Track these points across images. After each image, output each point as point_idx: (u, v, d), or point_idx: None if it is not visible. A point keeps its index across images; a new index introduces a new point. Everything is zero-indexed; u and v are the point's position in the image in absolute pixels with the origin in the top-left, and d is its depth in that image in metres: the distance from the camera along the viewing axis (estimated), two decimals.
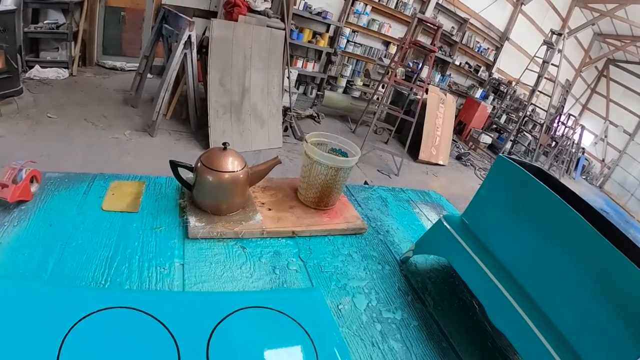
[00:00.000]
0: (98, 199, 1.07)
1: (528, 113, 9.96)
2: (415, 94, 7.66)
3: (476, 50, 10.74)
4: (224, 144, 1.13)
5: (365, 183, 1.88)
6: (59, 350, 0.65)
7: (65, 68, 5.43)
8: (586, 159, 13.51)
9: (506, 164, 0.96)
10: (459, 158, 8.24)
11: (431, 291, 1.13)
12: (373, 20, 8.73)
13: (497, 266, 0.95)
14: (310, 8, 7.70)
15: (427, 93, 7.17)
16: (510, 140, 9.87)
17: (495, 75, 11.28)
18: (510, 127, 10.08)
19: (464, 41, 10.28)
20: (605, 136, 14.10)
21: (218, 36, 4.48)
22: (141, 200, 1.12)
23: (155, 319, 0.76)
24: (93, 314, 0.73)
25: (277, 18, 5.32)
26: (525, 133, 10.58)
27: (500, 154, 1.02)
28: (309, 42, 8.06)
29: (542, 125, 9.80)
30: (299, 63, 8.14)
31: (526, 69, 9.35)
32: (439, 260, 1.29)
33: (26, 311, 0.70)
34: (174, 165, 1.11)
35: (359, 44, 8.88)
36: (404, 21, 8.94)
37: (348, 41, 8.67)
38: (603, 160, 14.04)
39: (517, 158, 0.98)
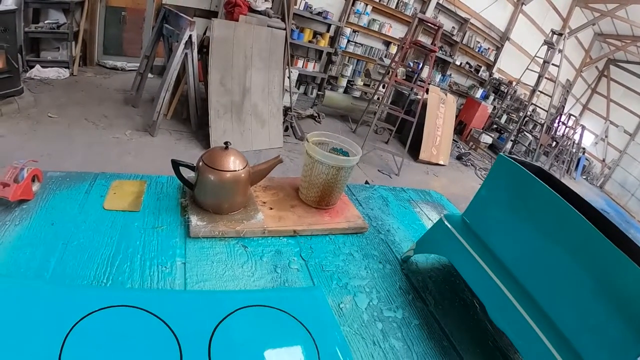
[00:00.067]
0: (100, 198, 1.08)
1: (528, 113, 9.95)
2: (416, 94, 7.66)
3: (477, 50, 10.75)
4: (226, 143, 1.13)
5: (366, 183, 1.88)
6: (60, 349, 0.65)
7: (65, 68, 5.44)
8: (587, 159, 13.51)
9: (507, 163, 0.96)
10: (459, 158, 8.24)
11: (432, 290, 1.14)
12: (373, 20, 8.73)
13: (498, 265, 0.95)
14: (310, 8, 7.70)
15: (427, 93, 7.17)
16: (511, 140, 9.86)
17: (496, 75, 11.29)
18: (511, 127, 10.08)
19: (464, 41, 10.29)
20: (606, 136, 14.10)
21: (219, 36, 4.48)
22: (143, 200, 1.12)
23: (157, 317, 0.76)
24: (95, 312, 0.74)
25: (278, 18, 5.32)
26: (526, 133, 10.57)
27: (501, 154, 1.02)
28: (310, 42, 8.06)
29: (542, 125, 9.80)
30: (300, 63, 8.15)
31: (527, 69, 9.35)
32: (440, 260, 1.29)
33: (28, 310, 0.71)
34: (176, 165, 1.11)
35: (359, 43, 8.88)
36: (405, 21, 8.94)
37: (349, 41, 8.67)
38: (603, 161, 14.04)
39: (518, 158, 0.98)
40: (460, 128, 10.04)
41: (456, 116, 8.57)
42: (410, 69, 8.24)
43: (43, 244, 0.88)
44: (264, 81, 5.03)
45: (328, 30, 8.31)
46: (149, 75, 5.47)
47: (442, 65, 10.38)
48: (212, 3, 6.71)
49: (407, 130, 6.82)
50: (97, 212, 1.02)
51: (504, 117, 10.68)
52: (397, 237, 1.36)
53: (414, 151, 7.02)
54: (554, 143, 11.15)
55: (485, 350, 0.98)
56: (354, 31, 8.66)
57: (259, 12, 5.10)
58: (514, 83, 10.53)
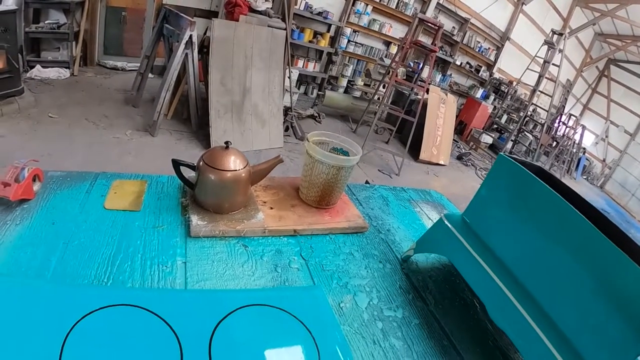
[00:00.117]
0: (100, 198, 1.08)
1: (529, 113, 9.95)
2: (416, 93, 7.66)
3: (477, 50, 10.75)
4: (226, 142, 1.13)
5: (367, 182, 1.88)
6: (61, 348, 0.65)
7: (66, 68, 5.44)
8: (587, 159, 13.51)
9: (507, 163, 0.96)
10: (459, 158, 8.24)
11: (432, 290, 1.14)
12: (374, 20, 8.73)
13: (498, 265, 0.95)
14: (311, 8, 7.70)
15: (428, 93, 7.17)
16: (511, 140, 9.86)
17: (496, 75, 11.28)
18: (511, 127, 10.08)
19: (464, 41, 10.29)
20: (606, 136, 14.10)
21: (219, 36, 4.48)
22: (143, 199, 1.12)
23: (158, 316, 0.76)
24: (95, 311, 0.74)
25: (278, 18, 5.32)
26: (526, 133, 10.57)
27: (501, 153, 1.02)
28: (310, 42, 8.06)
29: (543, 125, 9.79)
30: (300, 63, 8.15)
31: (527, 69, 9.35)
32: (440, 259, 1.29)
33: (29, 309, 0.71)
34: (176, 164, 1.11)
35: (359, 43, 8.88)
36: (405, 21, 8.94)
37: (349, 41, 8.67)
38: (604, 160, 14.03)
39: (518, 157, 0.98)
40: (461, 128, 10.04)
41: (456, 116, 8.57)
42: (410, 69, 8.25)
43: (44, 244, 0.88)
44: (264, 81, 5.03)
45: (328, 30, 8.31)
46: (150, 75, 5.47)
47: (442, 65, 10.38)
48: (212, 3, 6.71)
49: (407, 130, 6.82)
50: (97, 212, 1.03)
51: (505, 117, 10.68)
52: (397, 237, 1.36)
53: (414, 151, 7.02)
54: (555, 143, 11.15)
55: (486, 350, 0.98)
56: (354, 31, 8.66)
57: (260, 12, 5.10)
58: (515, 83, 10.53)
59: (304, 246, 1.15)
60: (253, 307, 0.86)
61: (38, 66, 5.16)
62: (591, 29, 12.82)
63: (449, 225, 1.10)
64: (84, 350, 0.67)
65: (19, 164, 0.96)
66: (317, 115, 7.07)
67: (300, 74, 7.83)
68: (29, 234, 0.90)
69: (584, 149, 12.97)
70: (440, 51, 9.57)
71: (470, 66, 11.01)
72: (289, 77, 5.78)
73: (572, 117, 11.35)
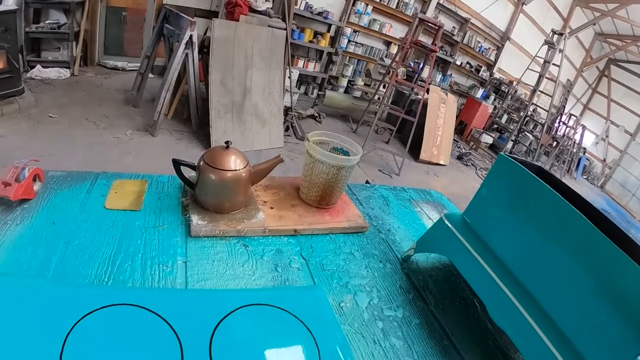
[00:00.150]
0: (101, 198, 1.08)
1: (529, 113, 9.95)
2: (417, 93, 7.66)
3: (477, 50, 10.75)
4: (227, 142, 1.14)
5: (367, 182, 1.88)
6: (62, 348, 0.66)
7: (66, 68, 5.44)
8: (587, 159, 13.50)
9: (507, 162, 0.96)
10: (460, 158, 8.24)
11: (432, 289, 1.14)
12: (374, 20, 8.73)
13: (499, 264, 0.95)
14: (311, 8, 7.70)
15: (428, 93, 7.17)
16: (512, 140, 9.85)
17: (497, 75, 11.28)
18: (512, 127, 10.07)
19: (465, 41, 10.28)
20: (607, 136, 14.09)
21: (219, 36, 4.48)
22: (144, 199, 1.12)
23: (159, 316, 0.76)
24: (96, 311, 0.74)
25: (279, 18, 5.32)
26: (527, 133, 10.57)
27: (502, 153, 1.02)
28: (310, 42, 8.06)
29: (543, 125, 9.78)
30: (300, 63, 8.14)
31: (527, 68, 9.34)
32: (440, 259, 1.29)
33: (29, 309, 0.71)
34: (177, 164, 1.12)
35: (360, 43, 8.88)
36: (405, 21, 8.94)
37: (349, 41, 8.67)
38: (604, 160, 14.03)
39: (519, 157, 0.98)
40: (461, 128, 10.03)
41: (457, 116, 8.57)
42: (410, 69, 8.24)
43: (44, 243, 0.89)
44: (264, 81, 5.03)
45: (328, 30, 8.31)
46: (150, 75, 5.47)
47: (442, 65, 10.37)
48: (212, 3, 6.71)
49: (407, 130, 6.82)
50: (98, 212, 1.03)
51: (505, 117, 10.67)
52: (398, 237, 1.36)
53: (415, 151, 7.02)
54: (555, 143, 11.15)
55: (486, 349, 0.98)
56: (355, 31, 8.66)
57: (260, 12, 5.11)
58: (515, 83, 10.53)
59: (305, 246, 1.15)
60: (253, 306, 0.86)
61: (38, 66, 5.16)
62: (591, 29, 12.82)
63: (449, 225, 1.10)
64: (85, 349, 0.67)
65: (20, 164, 0.96)
66: (317, 115, 7.07)
67: (300, 74, 7.82)
68: (30, 233, 0.90)
69: (584, 149, 12.97)
70: (441, 51, 9.57)
71: (471, 66, 11.01)
72: (289, 77, 5.78)
73: (572, 117, 11.35)
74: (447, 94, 7.78)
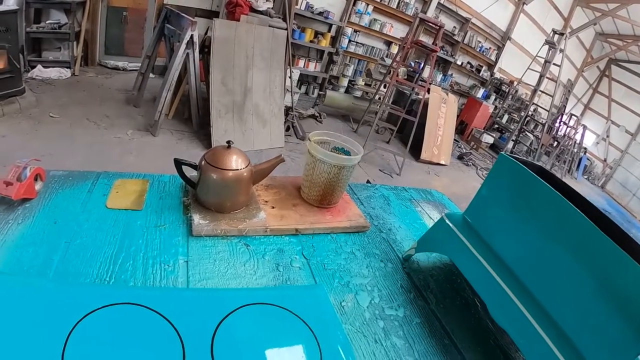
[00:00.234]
0: (102, 197, 1.08)
1: (530, 113, 9.94)
2: (417, 93, 7.65)
3: (478, 50, 10.74)
4: (228, 142, 1.14)
5: (368, 182, 1.88)
6: (64, 347, 0.66)
7: (67, 68, 5.44)
8: (588, 159, 13.49)
9: (508, 162, 0.96)
10: (460, 158, 8.23)
11: (433, 289, 1.14)
12: (375, 20, 8.73)
13: (500, 264, 0.95)
14: (312, 8, 7.70)
15: (428, 93, 7.17)
16: (512, 140, 9.85)
17: (497, 75, 11.28)
18: (512, 127, 10.07)
19: (465, 41, 10.28)
20: (607, 136, 14.08)
21: (220, 36, 4.48)
22: (145, 198, 1.12)
23: (160, 315, 0.76)
24: (97, 310, 0.74)
25: (279, 18, 5.32)
26: (527, 133, 10.56)
27: (502, 153, 1.02)
28: (311, 41, 8.05)
29: (544, 125, 9.77)
30: (301, 63, 8.14)
31: (528, 68, 9.34)
32: (441, 258, 1.29)
33: (31, 308, 0.71)
34: (178, 164, 1.12)
35: (360, 43, 8.87)
36: (406, 21, 8.93)
37: (350, 41, 8.66)
38: (605, 160, 14.02)
39: (519, 157, 0.98)
40: (462, 128, 10.03)
41: (457, 116, 8.57)
42: (411, 69, 8.24)
43: (46, 243, 0.89)
44: (265, 81, 5.04)
45: (329, 30, 8.31)
46: (151, 75, 5.47)
47: (443, 65, 10.36)
48: (213, 3, 6.72)
49: (408, 130, 6.82)
50: (99, 211, 1.03)
51: (505, 116, 10.67)
52: (399, 236, 1.36)
53: (415, 151, 7.02)
54: (556, 143, 11.14)
55: (487, 349, 0.98)
56: (355, 31, 8.65)
57: (260, 12, 5.11)
58: (515, 83, 10.52)
59: (306, 245, 1.15)
60: (255, 305, 0.86)
61: (39, 66, 5.16)
62: (592, 29, 12.81)
63: (450, 224, 1.10)
64: (87, 348, 0.67)
65: (21, 163, 0.97)
66: (318, 115, 7.07)
67: (301, 74, 7.82)
68: (31, 233, 0.90)
69: (585, 148, 12.96)
70: (441, 51, 9.56)
71: (471, 66, 11.01)
72: (290, 77, 5.79)
73: (573, 117, 11.34)
74: (447, 94, 7.78)
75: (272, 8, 5.36)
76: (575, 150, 11.71)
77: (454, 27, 10.00)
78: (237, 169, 1.10)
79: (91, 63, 6.10)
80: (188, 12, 5.16)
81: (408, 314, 1.01)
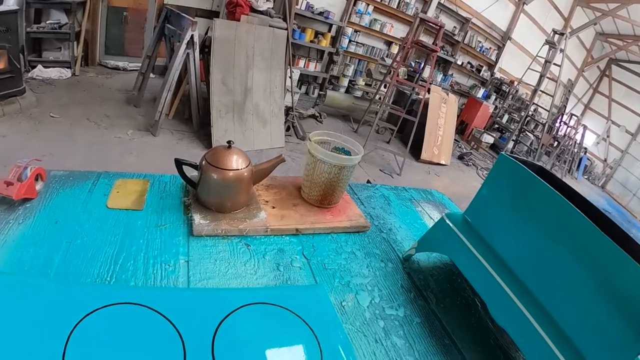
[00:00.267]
0: (103, 197, 1.08)
1: (530, 113, 9.94)
2: (418, 93, 7.66)
3: (478, 50, 10.73)
4: (229, 142, 1.14)
5: (368, 182, 1.88)
6: (65, 346, 0.66)
7: (67, 68, 5.44)
8: (588, 159, 13.49)
9: (508, 162, 0.97)
10: (461, 158, 8.23)
11: (434, 288, 1.14)
12: (375, 20, 8.72)
13: (500, 264, 0.95)
14: (312, 8, 7.69)
15: (429, 93, 7.17)
16: (513, 140, 9.85)
17: (497, 75, 11.27)
18: (513, 127, 10.07)
19: (466, 41, 10.27)
20: (608, 136, 14.08)
21: (220, 36, 4.49)
22: (146, 198, 1.13)
23: (161, 314, 0.76)
24: (98, 310, 0.74)
25: (280, 18, 5.32)
26: (528, 133, 10.56)
27: (503, 153, 1.02)
28: (311, 41, 8.05)
29: (544, 125, 9.78)
30: (301, 63, 8.13)
31: (528, 68, 9.34)
32: (442, 258, 1.29)
33: (32, 308, 0.71)
34: (179, 163, 1.12)
35: (361, 43, 8.87)
36: (406, 21, 8.93)
37: (350, 41, 8.65)
38: (605, 160, 14.02)
39: (519, 157, 0.98)
40: (462, 128, 10.03)
41: (458, 116, 8.57)
42: (411, 69, 8.24)
43: (47, 243, 0.89)
44: (265, 81, 5.04)
45: (329, 30, 8.30)
46: (151, 75, 5.47)
47: (443, 65, 10.36)
48: (213, 3, 6.72)
49: (408, 130, 6.82)
50: (100, 211, 1.03)
51: (506, 116, 10.67)
52: (399, 236, 1.36)
53: (416, 151, 7.02)
54: (556, 143, 11.14)
55: (487, 349, 0.98)
56: (356, 31, 8.64)
57: (261, 12, 5.11)
58: (516, 83, 10.52)
59: (306, 245, 1.15)
60: (255, 305, 0.86)
61: (39, 66, 5.16)
62: (592, 29, 12.81)
63: (451, 224, 1.10)
64: (87, 348, 0.67)
65: (22, 163, 0.97)
66: (318, 115, 7.08)
67: (301, 74, 7.82)
68: (32, 233, 0.90)
69: (585, 148, 12.96)
70: (442, 51, 9.56)
71: (472, 66, 11.00)
72: (290, 77, 5.79)
73: (573, 116, 11.34)
74: (448, 94, 7.78)
75: (273, 8, 5.36)
76: (576, 150, 11.71)
77: (454, 27, 9.99)
78: (238, 169, 1.10)
79: (91, 63, 6.10)
80: (188, 12, 5.16)
81: (408, 313, 1.01)
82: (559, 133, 11.29)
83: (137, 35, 6.48)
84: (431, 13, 9.07)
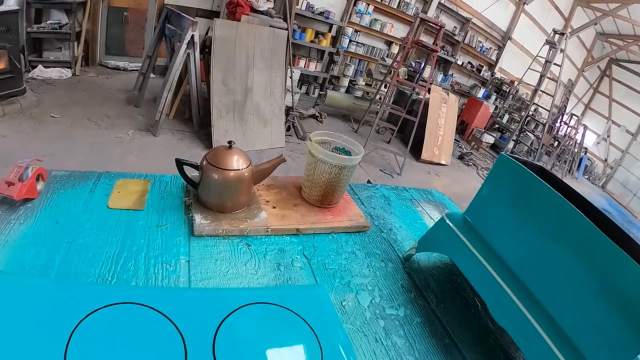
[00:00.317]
0: (104, 197, 1.08)
1: (530, 113, 9.94)
2: (418, 93, 7.66)
3: (478, 50, 10.73)
4: (229, 142, 1.14)
5: (368, 182, 1.89)
6: (66, 346, 0.66)
7: (68, 68, 5.45)
8: (589, 159, 13.49)
9: (508, 162, 0.97)
10: (461, 158, 8.23)
11: (434, 288, 1.14)
12: (375, 20, 8.72)
13: (500, 264, 0.95)
14: (312, 8, 7.70)
15: (429, 93, 7.16)
16: (513, 140, 9.85)
17: (498, 74, 11.27)
18: (513, 127, 10.07)
19: (466, 41, 10.27)
20: (608, 136, 14.07)
21: (221, 36, 4.49)
22: (147, 198, 1.13)
23: (162, 314, 0.76)
24: (100, 310, 0.74)
25: (280, 18, 5.33)
26: (528, 133, 10.55)
27: (503, 153, 1.02)
28: (312, 41, 8.05)
29: (544, 125, 9.78)
30: (302, 63, 8.14)
31: (528, 68, 9.33)
32: (442, 258, 1.29)
33: (33, 308, 0.71)
34: (180, 164, 1.12)
35: (361, 43, 8.87)
36: (407, 21, 8.93)
37: (350, 41, 8.66)
38: (605, 160, 14.01)
39: (520, 157, 0.99)
40: (462, 128, 10.03)
41: (458, 116, 8.57)
42: (412, 69, 8.24)
43: (48, 243, 0.89)
44: (266, 81, 5.04)
45: (330, 30, 8.31)
46: (151, 75, 5.48)
47: (443, 65, 10.36)
48: (214, 3, 6.72)
49: (409, 130, 6.82)
50: (101, 211, 1.03)
51: (506, 116, 10.67)
52: (399, 236, 1.36)
53: (416, 151, 7.02)
54: (556, 143, 11.14)
55: (487, 348, 0.99)
56: (356, 31, 8.65)
57: (261, 12, 5.11)
58: (516, 83, 10.52)
59: (307, 245, 1.15)
60: (256, 305, 0.86)
61: (40, 66, 5.17)
62: (592, 29, 12.80)
63: (451, 224, 1.10)
64: (89, 348, 0.67)
65: (23, 164, 0.97)
66: (318, 115, 7.08)
67: (301, 74, 7.82)
68: (33, 233, 0.91)
69: (586, 148, 12.95)
70: (442, 51, 9.56)
71: (472, 66, 11.00)
72: (291, 77, 5.79)
73: (573, 116, 11.33)
74: (448, 94, 7.78)
75: (273, 8, 5.36)
76: (576, 150, 11.71)
77: (455, 27, 9.99)
78: (239, 169, 1.10)
79: (92, 63, 6.11)
80: (189, 12, 5.17)
81: (408, 313, 1.01)
82: (560, 133, 11.29)
83: (137, 35, 6.49)
84: (431, 13, 9.08)
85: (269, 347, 0.79)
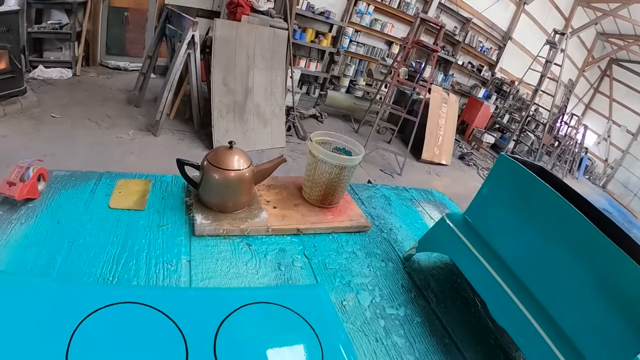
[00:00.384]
0: (105, 197, 1.09)
1: (531, 113, 9.93)
2: (418, 93, 7.65)
3: (479, 50, 10.73)
4: (230, 142, 1.14)
5: (369, 182, 1.89)
6: (68, 346, 0.66)
7: (68, 68, 5.45)
8: (589, 159, 13.48)
9: (508, 162, 0.97)
10: (461, 158, 8.23)
11: (434, 288, 1.14)
12: (376, 20, 8.73)
13: (500, 264, 0.95)
14: (313, 8, 7.70)
15: (429, 93, 7.16)
16: (513, 140, 9.85)
17: (498, 74, 11.27)
18: (513, 127, 10.06)
19: (466, 41, 10.27)
20: (609, 136, 14.06)
21: (221, 36, 4.49)
22: (148, 198, 1.13)
23: (163, 314, 0.77)
24: (101, 309, 0.74)
25: (280, 18, 5.33)
26: (528, 133, 10.55)
27: (502, 153, 1.02)
28: (312, 42, 8.06)
29: (545, 125, 9.77)
30: (302, 63, 8.14)
31: (529, 68, 9.33)
32: (442, 258, 1.30)
33: (35, 308, 0.71)
34: (181, 164, 1.12)
35: (361, 43, 8.88)
36: (407, 21, 8.93)
37: (351, 41, 8.66)
38: (606, 160, 14.00)
39: (520, 157, 0.99)
40: (463, 128, 10.03)
41: (458, 116, 8.57)
42: (412, 69, 8.23)
43: (49, 243, 0.89)
44: (266, 81, 5.04)
45: (330, 30, 8.31)
46: (152, 75, 5.48)
47: (444, 65, 10.36)
48: (214, 3, 6.72)
49: (409, 130, 6.82)
50: (102, 211, 1.03)
51: (506, 116, 10.67)
52: (400, 236, 1.36)
53: (416, 151, 7.02)
54: (557, 143, 11.13)
55: (487, 348, 0.99)
56: (356, 31, 8.65)
57: (262, 12, 5.12)
58: (516, 83, 10.51)
59: (307, 245, 1.15)
60: (257, 305, 0.86)
61: (40, 66, 5.17)
62: (593, 29, 12.79)
63: (451, 224, 1.10)
64: (90, 347, 0.68)
65: (24, 164, 0.97)
66: (319, 115, 7.08)
67: (302, 74, 7.82)
68: (34, 233, 0.91)
69: (586, 148, 12.95)
70: (442, 51, 9.56)
71: (472, 66, 11.00)
72: (291, 77, 5.79)
73: (574, 116, 11.33)
74: (448, 94, 7.78)
75: (273, 8, 5.37)
76: (577, 150, 11.70)
77: (455, 27, 9.99)
78: (239, 169, 1.10)
79: (92, 63, 6.11)
80: (189, 13, 5.17)
81: (409, 313, 1.02)
82: (560, 133, 11.28)
83: (138, 35, 6.49)
84: (432, 13, 9.08)
85: (270, 347, 0.79)
